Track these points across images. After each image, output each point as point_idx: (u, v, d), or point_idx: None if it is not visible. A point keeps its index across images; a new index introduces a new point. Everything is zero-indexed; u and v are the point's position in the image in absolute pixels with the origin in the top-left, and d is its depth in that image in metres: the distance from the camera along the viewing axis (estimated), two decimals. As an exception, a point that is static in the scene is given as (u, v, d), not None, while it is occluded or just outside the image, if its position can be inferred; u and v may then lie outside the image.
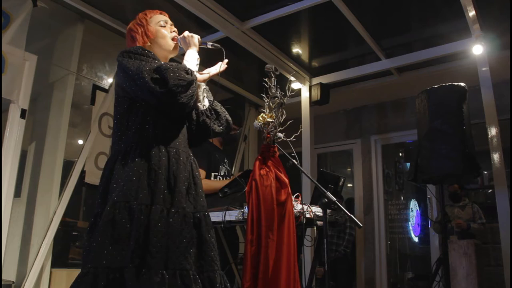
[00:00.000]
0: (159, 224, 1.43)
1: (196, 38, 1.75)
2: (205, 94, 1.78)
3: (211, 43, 1.80)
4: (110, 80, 3.78)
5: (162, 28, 1.76)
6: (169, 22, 1.80)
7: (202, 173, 2.74)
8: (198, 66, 1.71)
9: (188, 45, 1.74)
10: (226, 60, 1.79)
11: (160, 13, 1.81)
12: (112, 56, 3.83)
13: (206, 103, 1.78)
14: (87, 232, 1.47)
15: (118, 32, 3.70)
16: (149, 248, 1.39)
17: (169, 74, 1.48)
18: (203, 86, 1.77)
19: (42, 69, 3.20)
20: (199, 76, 1.72)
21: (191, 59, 1.69)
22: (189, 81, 1.53)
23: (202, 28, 3.69)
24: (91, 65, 3.67)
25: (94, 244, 1.38)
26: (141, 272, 1.36)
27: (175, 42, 1.77)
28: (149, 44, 1.73)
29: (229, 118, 1.85)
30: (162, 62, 1.63)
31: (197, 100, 1.73)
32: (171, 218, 1.47)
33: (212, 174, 2.83)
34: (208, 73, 1.78)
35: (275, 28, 3.77)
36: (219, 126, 1.80)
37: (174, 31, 1.79)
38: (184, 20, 3.49)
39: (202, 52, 1.80)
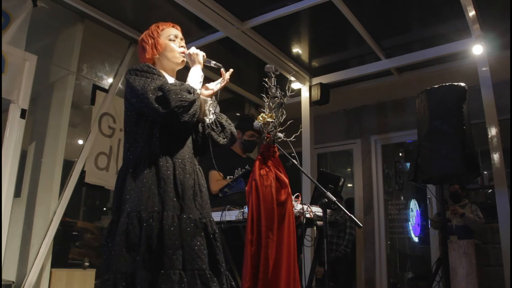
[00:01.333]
0: (172, 228, 1.52)
1: (201, 55, 1.81)
2: (211, 109, 1.84)
3: (214, 62, 1.85)
4: (110, 80, 3.78)
5: (171, 42, 1.83)
6: (180, 36, 1.87)
7: (220, 175, 2.82)
8: (201, 83, 1.77)
9: (193, 62, 1.80)
10: (228, 73, 1.84)
11: (173, 27, 1.88)
12: (112, 56, 3.83)
13: (212, 117, 1.86)
14: (105, 238, 1.59)
15: (118, 32, 3.70)
16: (164, 250, 1.48)
17: (171, 96, 1.56)
18: (210, 100, 1.83)
19: (42, 69, 3.20)
20: (204, 92, 1.81)
21: (195, 77, 1.76)
22: (191, 101, 1.60)
23: (202, 28, 3.68)
24: (91, 65, 3.66)
25: (112, 253, 1.50)
26: (160, 274, 1.45)
27: (183, 56, 1.83)
28: (157, 56, 1.81)
29: (234, 131, 1.92)
30: (167, 79, 1.72)
31: (204, 114, 1.81)
32: (183, 224, 1.56)
33: (228, 177, 2.95)
34: (212, 89, 1.83)
35: (275, 28, 3.77)
36: (224, 139, 1.87)
37: (182, 46, 1.85)
38: (184, 20, 3.49)
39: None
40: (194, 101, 1.62)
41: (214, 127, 1.85)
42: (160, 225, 1.51)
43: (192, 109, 1.60)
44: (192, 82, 1.73)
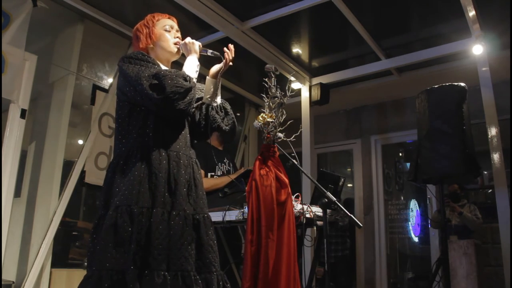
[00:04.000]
0: (161, 227, 1.46)
1: (197, 45, 1.77)
2: (218, 93, 1.82)
3: (211, 51, 1.82)
4: (110, 80, 3.78)
5: (166, 33, 1.79)
6: (175, 27, 1.84)
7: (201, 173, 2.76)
8: (198, 72, 1.74)
9: (189, 51, 1.76)
10: (231, 49, 1.79)
11: (168, 18, 1.85)
12: (112, 56, 3.84)
13: (218, 100, 1.83)
14: (91, 234, 1.51)
15: (118, 32, 3.70)
16: (151, 250, 1.43)
17: (166, 81, 1.51)
18: (218, 82, 1.81)
19: (42, 69, 3.21)
20: (212, 71, 1.79)
21: (191, 66, 1.71)
22: (187, 88, 1.56)
23: (202, 28, 3.69)
24: (91, 65, 3.66)
25: (98, 247, 1.43)
26: (144, 274, 1.40)
27: (177, 47, 1.80)
28: (151, 46, 1.77)
29: (235, 121, 1.90)
30: (162, 68, 1.67)
31: (214, 96, 1.80)
32: (172, 221, 1.50)
33: (209, 174, 2.85)
34: (219, 68, 1.80)
35: (275, 28, 3.77)
36: (226, 126, 1.84)
37: (177, 37, 1.81)
38: (184, 20, 3.49)
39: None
40: (190, 89, 1.57)
41: (219, 111, 1.81)
42: (149, 223, 1.45)
43: (188, 97, 1.56)
44: (188, 71, 1.68)
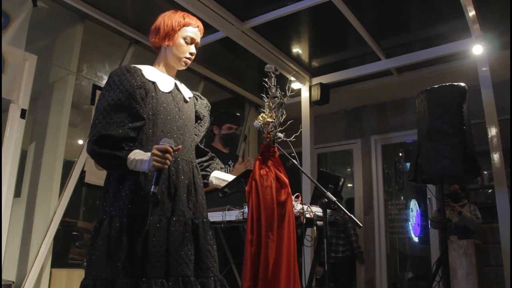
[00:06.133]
0: (158, 234, 1.47)
1: (151, 163, 1.43)
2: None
3: (153, 188, 1.44)
4: (110, 80, 3.78)
5: (184, 45, 1.72)
6: (196, 41, 1.77)
7: None
8: (136, 165, 1.49)
9: (149, 161, 1.44)
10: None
11: (197, 27, 1.77)
12: (112, 56, 3.84)
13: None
14: (91, 237, 1.52)
15: (118, 32, 3.70)
16: (148, 258, 1.43)
17: (96, 128, 1.53)
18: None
19: (42, 69, 3.20)
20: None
21: (141, 159, 1.47)
22: (108, 154, 1.51)
23: (202, 28, 3.69)
24: (91, 65, 3.66)
25: (93, 257, 1.45)
26: (141, 282, 1.41)
27: (186, 62, 1.76)
28: (165, 46, 1.73)
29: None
30: (132, 92, 1.56)
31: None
32: (172, 227, 1.50)
33: None
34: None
35: (275, 28, 3.77)
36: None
37: (192, 53, 1.75)
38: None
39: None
40: (111, 156, 1.49)
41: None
42: (146, 231, 1.45)
43: (107, 162, 1.54)
44: (136, 156, 1.48)
